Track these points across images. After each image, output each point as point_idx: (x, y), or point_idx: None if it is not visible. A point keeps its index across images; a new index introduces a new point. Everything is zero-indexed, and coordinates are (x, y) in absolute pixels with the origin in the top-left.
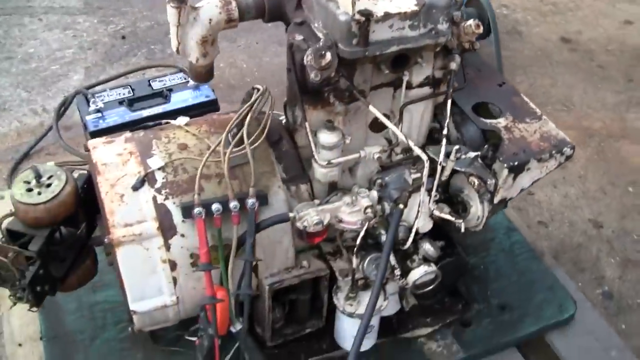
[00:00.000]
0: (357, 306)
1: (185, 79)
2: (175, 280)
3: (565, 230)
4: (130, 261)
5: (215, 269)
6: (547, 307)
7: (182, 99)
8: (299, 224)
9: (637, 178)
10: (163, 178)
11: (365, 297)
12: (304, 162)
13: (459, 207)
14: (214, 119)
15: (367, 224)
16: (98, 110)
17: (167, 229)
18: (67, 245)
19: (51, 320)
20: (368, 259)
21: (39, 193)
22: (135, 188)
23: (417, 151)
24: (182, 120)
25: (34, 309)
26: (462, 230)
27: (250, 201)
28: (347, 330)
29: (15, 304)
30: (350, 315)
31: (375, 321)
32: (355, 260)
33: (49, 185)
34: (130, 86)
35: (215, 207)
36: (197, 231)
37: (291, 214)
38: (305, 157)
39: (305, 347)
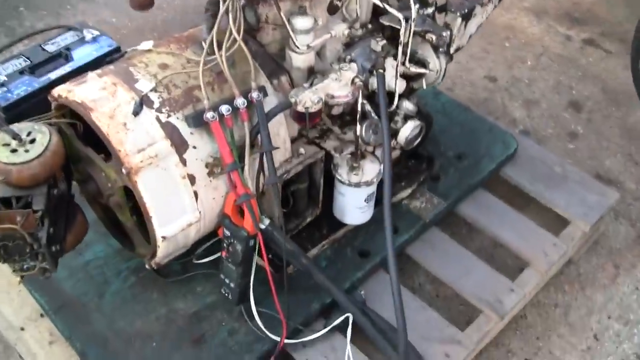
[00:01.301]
0: (362, 175)
1: (78, 35)
2: (196, 194)
3: (469, 90)
4: (153, 185)
5: (235, 169)
6: (494, 147)
7: (85, 54)
8: (300, 107)
9: (508, 34)
10: (159, 97)
11: (367, 165)
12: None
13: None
14: (177, 37)
15: (359, 92)
16: (2, 85)
17: (179, 145)
18: (64, 199)
19: (49, 293)
20: (364, 126)
21: (27, 151)
22: (136, 113)
23: (394, 12)
24: (147, 44)
25: (47, 274)
26: (424, 86)
27: (255, 94)
28: (349, 204)
29: (22, 277)
30: (357, 185)
31: (373, 189)
32: (359, 127)
33: (33, 141)
34: (23, 55)
35: (224, 108)
36: (215, 135)
37: (292, 99)
38: (272, 53)
39: (308, 238)
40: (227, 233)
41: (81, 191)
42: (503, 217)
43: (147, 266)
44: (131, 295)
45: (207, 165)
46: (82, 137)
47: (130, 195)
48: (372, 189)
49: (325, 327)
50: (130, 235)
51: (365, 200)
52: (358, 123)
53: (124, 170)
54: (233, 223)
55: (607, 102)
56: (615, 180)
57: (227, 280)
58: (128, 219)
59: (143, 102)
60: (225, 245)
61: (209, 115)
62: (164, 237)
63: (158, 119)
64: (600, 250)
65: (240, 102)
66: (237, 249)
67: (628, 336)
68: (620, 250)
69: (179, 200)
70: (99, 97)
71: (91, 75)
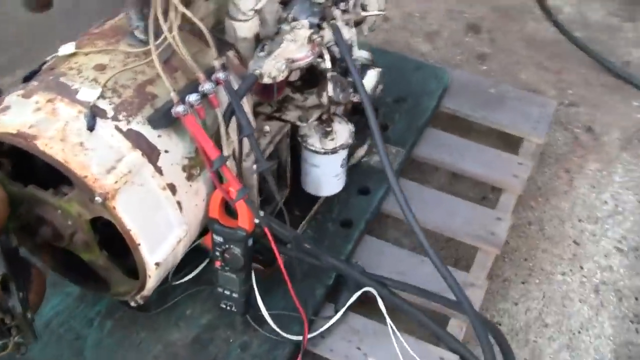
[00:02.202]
0: (337, 139)
1: None
2: (179, 204)
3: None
4: (134, 207)
5: (224, 163)
6: (428, 83)
7: None
8: (266, 79)
9: None
10: (110, 104)
11: (337, 127)
12: None
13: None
14: (98, 32)
15: (320, 48)
16: None
17: (149, 153)
18: (16, 255)
19: None
20: (331, 85)
21: None
22: (91, 127)
23: None
24: (68, 47)
25: (24, 350)
26: (366, 32)
27: (222, 74)
28: (325, 174)
29: None
30: (334, 151)
31: (344, 155)
32: (330, 86)
33: None
34: None
35: (193, 97)
36: (191, 130)
37: (256, 72)
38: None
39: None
40: (219, 239)
41: (21, 241)
42: (460, 150)
43: (132, 304)
44: (115, 343)
45: (184, 169)
46: (12, 176)
47: (97, 229)
48: (347, 151)
49: (337, 310)
50: (102, 275)
51: (341, 166)
52: (329, 82)
53: (97, 199)
54: (225, 226)
55: (501, 19)
56: (537, 90)
57: (227, 292)
58: (98, 257)
59: (94, 113)
60: (218, 253)
61: (179, 109)
62: (157, 264)
63: (118, 128)
64: (549, 160)
65: (207, 87)
66: (236, 253)
67: (602, 232)
68: (565, 155)
69: (164, 216)
70: (36, 121)
71: (10, 99)
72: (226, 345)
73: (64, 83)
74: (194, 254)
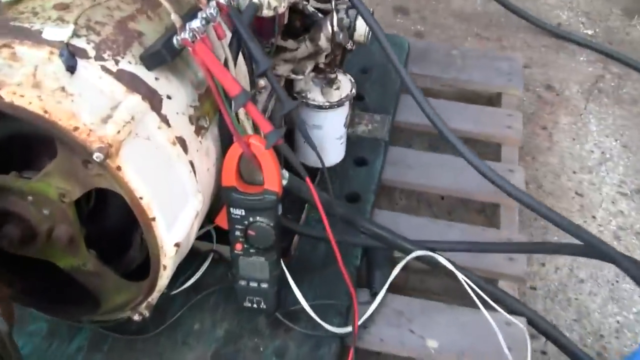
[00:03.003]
0: (342, 88)
1: None
2: (192, 165)
3: None
4: (143, 166)
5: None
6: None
7: None
8: (266, 11)
9: None
10: (88, 43)
11: (340, 77)
12: None
13: None
14: None
15: None
16: None
17: (150, 97)
18: None
19: None
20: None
21: None
22: (72, 68)
23: None
24: None
25: None
26: None
27: None
28: (328, 135)
29: None
30: (340, 103)
31: (347, 111)
32: (333, 20)
33: None
34: None
35: (195, 24)
36: (204, 60)
37: (254, 1)
38: None
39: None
40: (239, 213)
41: None
42: (441, 111)
43: (135, 317)
44: None
45: (191, 120)
46: None
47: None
48: (349, 106)
49: (376, 292)
50: (89, 287)
51: (344, 125)
52: (329, 20)
53: (96, 156)
54: (246, 193)
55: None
56: None
57: (253, 284)
58: (85, 259)
59: (72, 51)
60: (238, 232)
61: (186, 35)
62: (177, 245)
63: (105, 69)
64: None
65: (211, 11)
66: (264, 226)
67: (600, 180)
68: (536, 113)
69: (178, 180)
70: None
71: None
72: (257, 355)
73: (20, 26)
74: (188, 256)
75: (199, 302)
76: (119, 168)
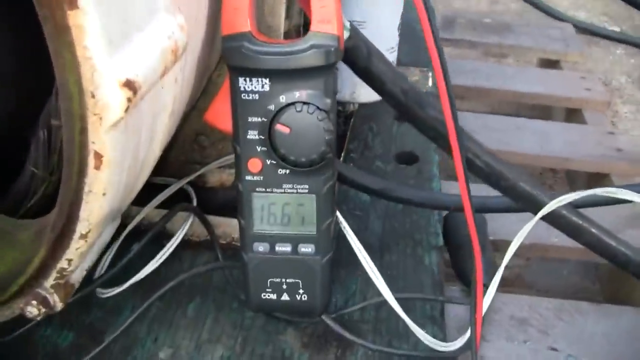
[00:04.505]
0: None
1: None
2: None
3: None
4: None
5: None
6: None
7: None
8: None
9: None
10: None
11: None
12: None
13: None
14: None
15: None
16: None
17: None
18: None
19: None
20: None
21: None
22: None
23: None
24: None
25: None
26: None
27: None
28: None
29: None
30: None
31: None
32: None
33: None
34: None
35: None
36: None
37: None
38: None
39: None
40: (260, 85)
41: None
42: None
43: (31, 312)
44: None
45: None
46: None
47: None
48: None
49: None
50: None
51: (398, 27)
52: None
53: None
54: (272, 44)
55: None
56: None
57: (284, 248)
58: None
59: None
60: (255, 134)
61: None
62: (128, 87)
63: None
64: None
65: None
66: (314, 109)
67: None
68: None
69: None
70: None
71: None
72: None
73: None
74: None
75: (166, 303)
76: None
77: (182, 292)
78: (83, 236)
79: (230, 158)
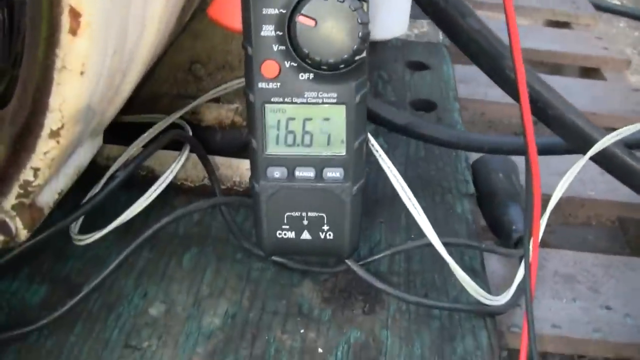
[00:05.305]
0: None
1: None
2: None
3: None
4: None
5: None
6: None
7: None
8: None
9: None
10: None
11: None
12: None
13: None
14: None
15: None
16: None
17: None
18: None
19: None
20: None
21: None
22: None
23: None
24: None
25: None
26: None
27: None
28: None
29: None
30: None
31: None
32: None
33: None
34: None
35: None
36: None
37: None
38: None
39: None
40: None
41: None
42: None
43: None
44: None
45: None
46: None
47: None
48: None
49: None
50: None
51: None
52: None
53: None
54: None
55: None
56: None
57: (306, 173)
58: None
59: None
60: (272, 29)
61: None
62: None
63: None
64: None
65: None
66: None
67: None
68: None
69: None
70: None
71: None
72: None
73: None
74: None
75: (157, 254)
76: None
77: (175, 242)
78: (54, 134)
79: (231, 85)
